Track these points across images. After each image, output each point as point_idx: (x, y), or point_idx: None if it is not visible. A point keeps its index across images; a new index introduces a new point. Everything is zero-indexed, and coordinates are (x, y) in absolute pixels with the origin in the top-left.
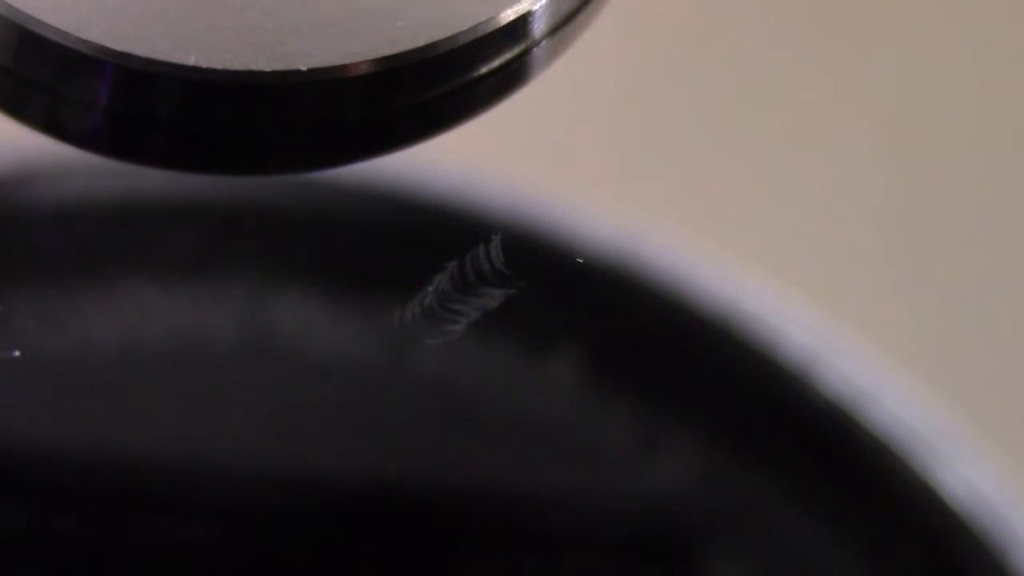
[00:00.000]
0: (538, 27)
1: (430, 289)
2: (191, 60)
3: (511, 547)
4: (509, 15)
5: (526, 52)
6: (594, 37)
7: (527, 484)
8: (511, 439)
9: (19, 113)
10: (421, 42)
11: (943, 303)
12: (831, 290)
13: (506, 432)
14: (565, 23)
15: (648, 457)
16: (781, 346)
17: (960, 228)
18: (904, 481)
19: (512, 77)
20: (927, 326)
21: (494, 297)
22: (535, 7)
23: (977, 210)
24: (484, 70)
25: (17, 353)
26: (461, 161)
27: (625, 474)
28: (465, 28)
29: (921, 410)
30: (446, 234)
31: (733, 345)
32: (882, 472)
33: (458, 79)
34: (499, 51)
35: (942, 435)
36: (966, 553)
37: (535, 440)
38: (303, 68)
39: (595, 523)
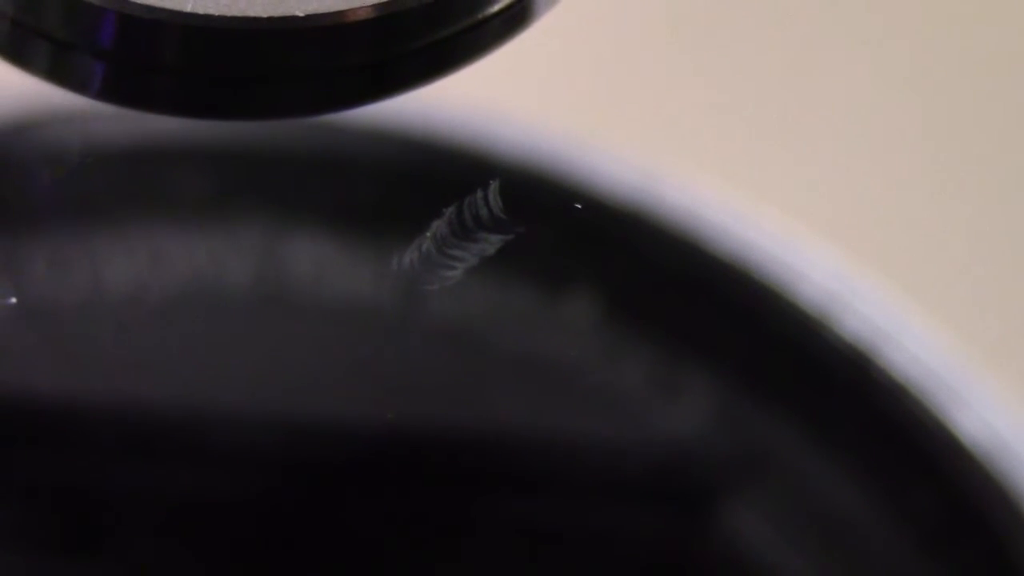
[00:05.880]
0: None
1: (428, 235)
2: (188, 7)
3: (526, 490)
4: None
5: None
6: None
7: (542, 427)
8: (527, 381)
9: (22, 62)
10: None
11: (962, 243)
12: (850, 230)
13: (522, 374)
14: None
15: (664, 399)
16: (799, 287)
17: (982, 166)
18: (922, 423)
19: (516, 18)
20: (946, 267)
21: (492, 243)
22: None
23: (1001, 147)
24: (487, 12)
25: (13, 300)
26: (468, 102)
27: (641, 416)
28: None
29: (940, 352)
30: (458, 174)
31: (750, 286)
32: (900, 414)
33: (460, 23)
34: None
35: (961, 377)
36: (983, 495)
37: (551, 382)
38: (300, 14)
39: (611, 466)
